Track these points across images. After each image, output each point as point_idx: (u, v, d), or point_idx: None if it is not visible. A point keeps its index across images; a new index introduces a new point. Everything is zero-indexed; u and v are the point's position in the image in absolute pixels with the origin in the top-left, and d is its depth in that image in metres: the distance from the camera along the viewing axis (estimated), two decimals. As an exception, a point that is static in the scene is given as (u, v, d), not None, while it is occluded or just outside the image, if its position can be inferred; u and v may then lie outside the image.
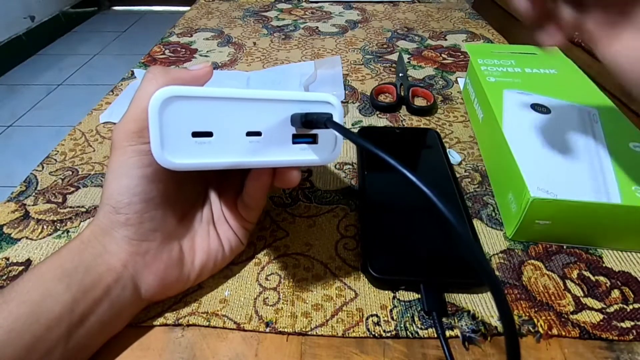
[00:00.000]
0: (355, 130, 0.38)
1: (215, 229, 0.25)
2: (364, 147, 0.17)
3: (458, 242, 0.13)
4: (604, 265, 0.26)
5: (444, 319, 0.23)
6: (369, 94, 0.46)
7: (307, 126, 0.20)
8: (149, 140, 0.18)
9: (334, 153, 0.22)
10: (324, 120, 0.19)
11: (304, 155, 0.21)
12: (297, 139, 0.21)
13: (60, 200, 0.32)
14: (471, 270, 0.25)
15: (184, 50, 0.59)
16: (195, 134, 0.18)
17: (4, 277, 0.25)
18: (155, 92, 0.17)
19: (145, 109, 0.18)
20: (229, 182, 0.26)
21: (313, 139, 0.21)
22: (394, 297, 0.24)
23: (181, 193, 0.23)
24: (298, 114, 0.20)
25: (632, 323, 0.23)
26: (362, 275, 0.26)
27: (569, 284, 0.25)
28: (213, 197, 0.26)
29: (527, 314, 0.23)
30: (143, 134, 0.20)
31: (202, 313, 0.23)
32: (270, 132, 0.20)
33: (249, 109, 0.19)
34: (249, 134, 0.19)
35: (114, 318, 0.21)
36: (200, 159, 0.19)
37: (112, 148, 0.20)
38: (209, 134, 0.19)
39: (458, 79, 0.51)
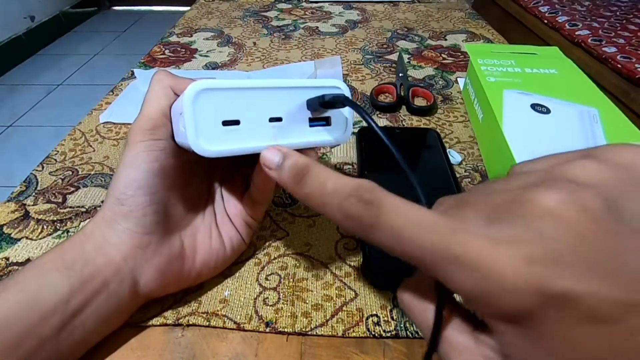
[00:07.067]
0: (355, 131, 0.38)
1: (217, 229, 0.25)
2: (368, 122, 0.19)
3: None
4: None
5: (444, 319, 0.23)
6: (369, 94, 0.46)
7: (325, 107, 0.21)
8: (161, 137, 0.21)
9: (345, 133, 0.23)
10: (342, 99, 0.20)
11: (320, 136, 0.23)
12: (313, 122, 0.22)
13: (60, 200, 0.32)
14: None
15: (184, 50, 0.59)
16: (225, 123, 0.20)
17: (3, 277, 0.25)
18: (189, 87, 0.19)
19: (157, 109, 0.21)
20: (234, 181, 0.26)
21: (326, 122, 0.23)
22: (394, 297, 0.24)
23: (186, 190, 0.24)
24: (315, 98, 0.21)
25: (632, 323, 0.23)
26: (362, 275, 0.26)
27: (569, 284, 0.25)
28: (217, 197, 0.26)
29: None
30: (154, 131, 0.21)
31: (202, 313, 0.23)
32: (290, 116, 0.21)
33: (270, 97, 0.21)
34: (271, 119, 0.21)
35: (110, 313, 0.21)
36: (231, 145, 0.20)
37: (125, 145, 0.22)
38: (236, 122, 0.20)
39: (458, 79, 0.51)
